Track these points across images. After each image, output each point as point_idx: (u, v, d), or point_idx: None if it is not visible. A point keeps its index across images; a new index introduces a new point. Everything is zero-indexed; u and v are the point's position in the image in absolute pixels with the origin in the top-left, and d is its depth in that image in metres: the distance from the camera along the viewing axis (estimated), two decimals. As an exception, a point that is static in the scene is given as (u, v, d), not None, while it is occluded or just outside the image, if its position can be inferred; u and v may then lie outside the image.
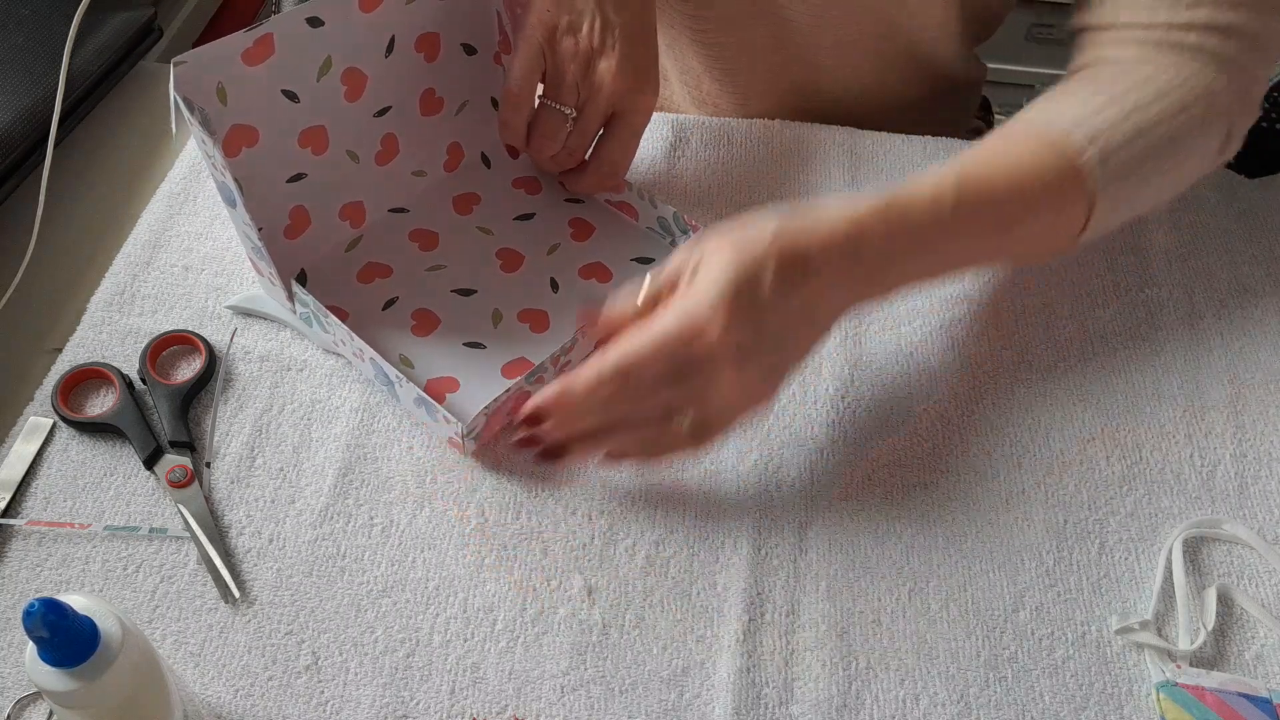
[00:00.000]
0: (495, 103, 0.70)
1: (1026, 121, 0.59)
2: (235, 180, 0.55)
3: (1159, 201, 0.62)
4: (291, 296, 0.61)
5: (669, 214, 0.66)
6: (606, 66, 0.61)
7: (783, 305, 0.50)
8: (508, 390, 0.56)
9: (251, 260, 0.63)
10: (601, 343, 0.55)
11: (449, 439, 0.58)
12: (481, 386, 0.60)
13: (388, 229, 0.67)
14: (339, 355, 0.62)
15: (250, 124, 0.58)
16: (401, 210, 0.68)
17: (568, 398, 0.52)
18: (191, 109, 0.53)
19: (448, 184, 0.70)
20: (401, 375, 0.56)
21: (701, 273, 0.51)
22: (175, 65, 0.52)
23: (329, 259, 0.65)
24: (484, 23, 0.67)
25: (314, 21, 0.57)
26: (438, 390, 0.60)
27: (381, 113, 0.64)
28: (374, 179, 0.66)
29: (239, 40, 0.55)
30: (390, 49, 0.62)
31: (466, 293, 0.64)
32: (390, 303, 0.64)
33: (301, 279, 0.64)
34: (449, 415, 0.55)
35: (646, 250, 0.67)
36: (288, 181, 0.62)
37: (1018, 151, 0.57)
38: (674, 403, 0.51)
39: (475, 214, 0.69)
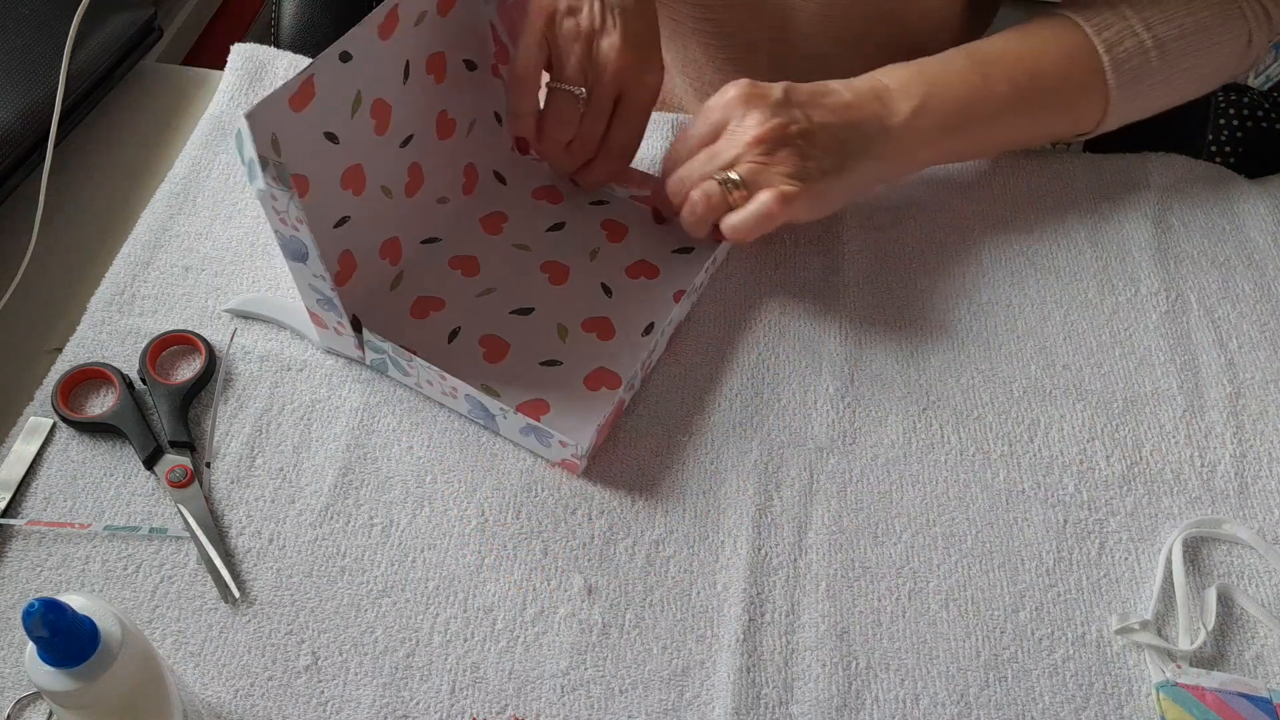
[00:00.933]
0: (499, 118, 0.69)
1: (1043, 16, 0.67)
2: (311, 233, 0.53)
3: (1188, 92, 0.68)
4: (361, 345, 0.60)
5: None
6: (610, 44, 0.60)
7: (791, 95, 0.62)
8: (609, 402, 0.58)
9: (314, 314, 0.60)
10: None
11: (562, 461, 0.57)
12: (572, 403, 0.59)
13: (426, 261, 0.66)
14: (340, 356, 0.62)
15: (301, 172, 0.55)
16: (434, 240, 0.67)
17: (667, 193, 0.63)
18: (265, 166, 0.50)
19: (471, 207, 0.69)
20: (504, 407, 0.56)
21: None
22: (246, 120, 0.49)
23: (378, 300, 0.64)
24: (480, 36, 0.66)
25: (345, 56, 0.55)
26: (532, 414, 0.58)
27: (405, 142, 0.62)
28: (405, 212, 0.64)
29: (287, 87, 0.52)
30: (407, 75, 0.60)
31: (525, 312, 0.64)
32: (454, 334, 0.62)
33: (356, 325, 0.60)
34: (564, 439, 0.55)
35: (685, 240, 0.66)
36: (335, 227, 0.59)
37: (1030, 28, 0.66)
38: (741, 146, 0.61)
39: (506, 232, 0.68)
